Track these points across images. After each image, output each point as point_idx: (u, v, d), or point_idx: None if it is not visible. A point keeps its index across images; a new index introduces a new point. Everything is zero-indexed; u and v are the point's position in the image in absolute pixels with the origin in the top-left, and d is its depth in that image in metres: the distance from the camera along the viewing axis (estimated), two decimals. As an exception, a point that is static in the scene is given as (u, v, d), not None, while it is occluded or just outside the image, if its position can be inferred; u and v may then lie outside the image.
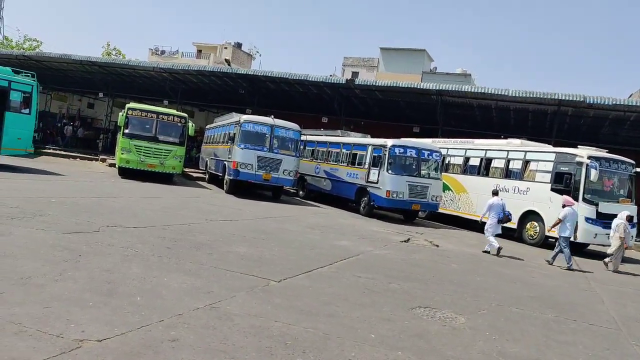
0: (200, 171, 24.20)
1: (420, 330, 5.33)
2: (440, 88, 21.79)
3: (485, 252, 12.03)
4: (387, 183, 15.73)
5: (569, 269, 11.10)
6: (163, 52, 53.72)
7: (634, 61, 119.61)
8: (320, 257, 8.42)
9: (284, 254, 8.29)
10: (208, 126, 25.70)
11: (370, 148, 16.84)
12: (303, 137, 19.09)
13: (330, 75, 30.23)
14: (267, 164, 16.55)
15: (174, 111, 19.83)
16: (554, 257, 11.57)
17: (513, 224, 15.24)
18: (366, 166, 16.73)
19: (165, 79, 29.36)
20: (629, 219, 12.24)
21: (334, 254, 8.82)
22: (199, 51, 54.94)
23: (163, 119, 18.07)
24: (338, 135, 20.15)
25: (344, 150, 18.49)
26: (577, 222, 13.46)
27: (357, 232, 12.61)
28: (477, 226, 16.36)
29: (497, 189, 13.65)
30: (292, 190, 20.84)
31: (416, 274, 8.28)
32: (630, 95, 34.80)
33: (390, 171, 15.77)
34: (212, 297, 5.33)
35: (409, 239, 12.44)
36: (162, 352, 3.79)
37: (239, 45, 57.51)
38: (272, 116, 17.68)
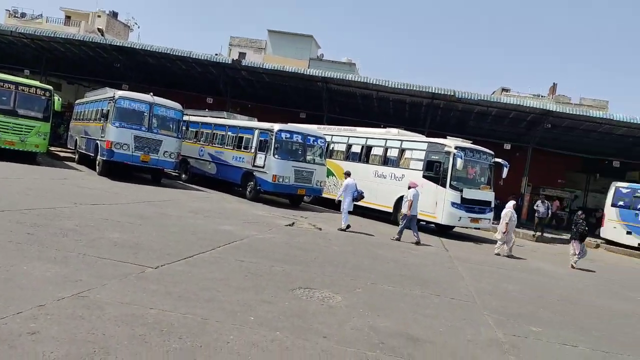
0: (69, 151, 22.21)
1: (299, 310, 5.46)
2: (326, 75, 22.28)
3: (342, 230, 12.76)
4: (273, 167, 15.79)
5: (417, 243, 12.36)
6: (23, 14, 48.11)
7: (498, 61, 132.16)
8: (202, 242, 8.24)
9: (163, 239, 7.98)
10: (78, 101, 23.45)
11: (257, 132, 16.74)
12: (186, 118, 18.42)
13: (216, 54, 29.40)
14: (146, 144, 15.67)
15: (36, 82, 17.91)
16: (400, 233, 12.64)
17: (389, 208, 16.17)
18: (253, 150, 16.62)
19: (27, 46, 26.39)
20: (515, 207, 13.63)
21: (217, 239, 8.69)
22: (68, 17, 50.12)
23: (23, 90, 16.18)
24: (224, 117, 19.71)
25: (229, 133, 18.16)
26: (444, 206, 14.75)
27: (242, 216, 12.53)
28: (358, 210, 17.13)
29: (350, 171, 14.44)
30: (174, 174, 20.05)
31: (299, 256, 8.45)
32: (493, 93, 38.55)
33: (276, 156, 15.83)
34: (80, 285, 4.98)
35: (293, 223, 12.64)
36: (20, 346, 3.47)
37: (114, 15, 53.36)
38: (152, 93, 16.74)
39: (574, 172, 31.61)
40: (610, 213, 20.71)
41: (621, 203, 20.41)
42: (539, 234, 19.93)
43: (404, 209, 12.90)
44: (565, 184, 31.77)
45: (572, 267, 12.73)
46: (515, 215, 13.61)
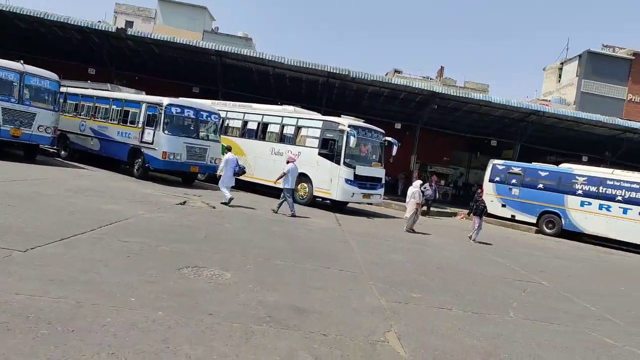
0: None
1: (185, 289, 5.31)
2: (221, 49, 21.63)
3: (224, 204, 12.77)
4: (163, 144, 15.10)
5: (292, 215, 12.75)
6: None
7: (390, 45, 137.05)
8: (81, 222, 7.68)
9: (36, 220, 7.32)
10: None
11: (144, 106, 15.85)
12: (63, 89, 16.93)
13: (99, 22, 27.20)
14: (16, 117, 14.14)
15: None
16: (279, 206, 13.02)
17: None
18: (140, 125, 15.74)
19: None
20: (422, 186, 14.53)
21: (99, 219, 8.14)
22: None
23: None
24: (107, 90, 18.39)
25: (114, 107, 16.99)
26: (338, 183, 15.10)
27: (129, 195, 11.86)
28: (254, 188, 17.02)
29: (230, 146, 14.59)
30: (52, 150, 18.43)
31: (189, 235, 8.21)
32: (386, 74, 39.90)
33: (166, 131, 15.15)
34: None
35: (185, 202, 12.22)
36: None
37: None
38: (22, 61, 15.07)
39: (458, 151, 33.97)
40: (488, 188, 22.51)
41: (497, 179, 22.29)
42: (424, 208, 21.20)
43: (283, 183, 13.26)
44: (450, 162, 34.07)
45: (472, 240, 13.72)
46: (421, 194, 14.51)
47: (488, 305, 6.73)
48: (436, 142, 30.31)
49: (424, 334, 5.06)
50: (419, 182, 14.81)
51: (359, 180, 15.49)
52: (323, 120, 16.37)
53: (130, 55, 24.46)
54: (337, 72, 21.65)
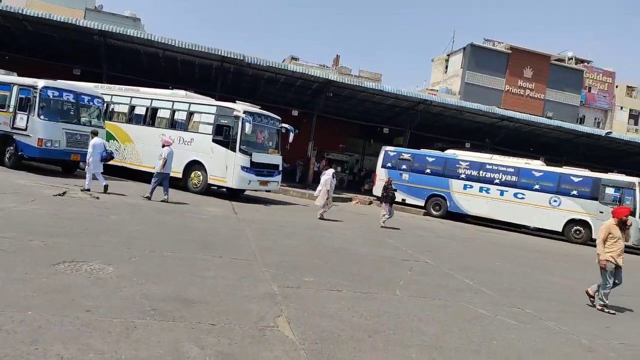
0: None
1: (60, 286, 4.91)
2: (104, 29, 20.17)
3: (85, 191, 12.03)
4: (38, 130, 13.81)
5: (165, 201, 12.37)
6: None
7: (287, 29, 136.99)
8: None
9: None
10: None
11: (15, 88, 14.34)
12: None
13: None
14: None
15: None
16: (151, 192, 12.51)
17: (178, 173, 15.63)
18: (11, 110, 14.24)
19: None
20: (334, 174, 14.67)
21: (-43, 213, 7.25)
22: None
23: None
24: (-29, 70, 16.41)
25: (-21, 89, 15.19)
26: (234, 170, 14.82)
27: (-3, 186, 10.72)
28: (144, 177, 16.17)
29: (97, 130, 13.63)
30: None
31: (67, 228, 7.60)
32: (283, 60, 39.85)
33: (42, 117, 13.86)
34: None
35: (65, 192, 11.30)
36: None
37: None
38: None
39: (353, 138, 34.98)
40: (380, 173, 23.44)
41: (389, 165, 23.28)
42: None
43: (158, 167, 12.79)
44: (346, 148, 35.00)
45: (382, 226, 14.26)
46: (334, 182, 14.68)
47: (376, 284, 6.99)
48: (332, 129, 30.95)
49: (314, 316, 5.13)
50: (331, 170, 15.18)
51: (256, 168, 15.33)
52: (217, 105, 15.94)
53: (0, 31, 21.99)
54: (232, 56, 21.17)
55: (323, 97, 24.67)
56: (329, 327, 4.86)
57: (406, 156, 22.98)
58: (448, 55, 45.40)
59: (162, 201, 12.24)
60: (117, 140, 16.88)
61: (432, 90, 41.15)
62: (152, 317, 4.42)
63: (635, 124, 49.89)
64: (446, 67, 45.60)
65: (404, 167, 22.76)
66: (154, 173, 13.06)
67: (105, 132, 15.74)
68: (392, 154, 23.42)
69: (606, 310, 7.47)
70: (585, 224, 19.28)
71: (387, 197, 14.88)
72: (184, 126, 16.01)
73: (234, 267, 6.75)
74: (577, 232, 19.44)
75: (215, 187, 15.99)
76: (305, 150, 26.17)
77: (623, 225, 7.67)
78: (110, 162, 16.33)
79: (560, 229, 19.66)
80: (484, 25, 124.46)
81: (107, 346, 3.73)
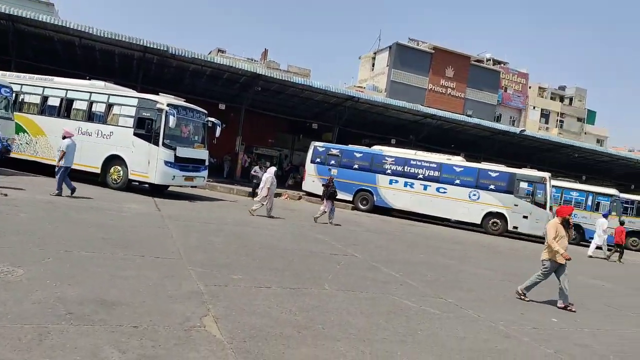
0: None
1: (-41, 292, 4.46)
2: (12, 13, 18.69)
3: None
4: None
5: (58, 195, 11.66)
6: None
7: (213, 22, 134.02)
8: None
9: None
10: None
11: None
12: None
13: None
14: None
15: None
16: (59, 188, 11.78)
17: (96, 169, 14.85)
18: None
19: None
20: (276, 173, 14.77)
21: None
22: None
23: None
24: None
25: None
26: (157, 165, 14.26)
27: None
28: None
29: None
30: None
31: (-32, 228, 6.95)
32: (210, 52, 38.95)
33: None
34: None
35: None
36: None
37: None
38: None
39: (282, 133, 34.91)
40: (310, 169, 23.60)
41: (318, 160, 23.47)
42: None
43: (57, 161, 12.09)
44: (274, 143, 34.85)
45: (330, 223, 14.61)
46: (275, 180, 14.62)
47: (305, 280, 6.99)
48: (261, 124, 30.70)
49: (242, 314, 5.03)
50: (273, 168, 15.07)
51: (181, 163, 14.85)
52: (139, 98, 15.24)
53: None
54: (154, 47, 20.36)
55: (251, 91, 24.38)
56: (258, 324, 4.78)
57: (335, 152, 23.25)
58: (375, 53, 46.43)
59: (67, 196, 11.61)
60: (28, 133, 15.73)
61: (359, 87, 41.95)
62: (69, 322, 4.13)
63: (546, 122, 53.65)
64: (373, 65, 46.61)
65: (332, 162, 23.01)
66: (75, 168, 12.29)
67: (14, 124, 14.60)
68: (321, 149, 23.60)
69: (524, 298, 7.88)
70: (501, 216, 20.46)
71: (328, 194, 15.17)
72: (102, 119, 15.18)
73: (157, 267, 6.47)
74: (494, 224, 20.58)
75: (137, 183, 15.34)
76: (233, 145, 25.77)
77: (567, 224, 7.90)
78: (19, 156, 15.29)
79: (479, 222, 20.74)
80: (409, 24, 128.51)
81: (17, 354, 3.45)
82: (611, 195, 23.53)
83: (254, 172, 19.24)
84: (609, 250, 18.16)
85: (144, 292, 5.26)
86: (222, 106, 24.72)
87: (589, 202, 23.55)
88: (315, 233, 12.32)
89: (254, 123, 28.74)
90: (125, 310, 4.62)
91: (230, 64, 23.25)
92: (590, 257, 17.72)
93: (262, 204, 14.16)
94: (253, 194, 19.05)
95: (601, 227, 18.55)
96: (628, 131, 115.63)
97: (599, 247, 18.26)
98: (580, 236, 23.22)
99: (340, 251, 10.01)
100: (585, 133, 54.93)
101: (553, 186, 21.41)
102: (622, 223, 19.21)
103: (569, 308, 7.62)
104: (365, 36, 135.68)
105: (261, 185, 14.55)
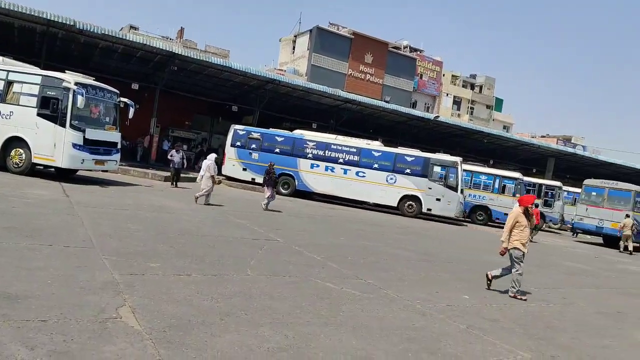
0: None
1: None
2: None
3: None
4: None
5: None
6: None
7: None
8: None
9: None
10: None
11: None
12: None
13: None
14: None
15: None
16: None
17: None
18: None
19: None
20: (216, 160, 14.94)
21: None
22: None
23: None
24: None
25: None
26: (64, 148, 13.35)
27: None
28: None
29: None
30: None
31: None
32: (121, 29, 36.81)
33: None
34: None
35: None
36: None
37: None
38: None
39: (200, 115, 33.91)
40: (230, 152, 23.19)
41: (238, 143, 23.10)
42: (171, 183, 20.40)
43: None
44: (192, 126, 33.82)
45: (265, 209, 14.60)
46: (216, 166, 14.61)
47: (227, 266, 6.88)
48: (177, 106, 29.63)
49: (161, 303, 4.85)
50: (213, 155, 15.04)
51: (90, 145, 13.98)
52: (43, 75, 14.09)
53: None
54: (60, 20, 18.87)
55: (167, 71, 23.42)
56: (178, 313, 4.64)
57: (255, 135, 23.00)
58: (295, 36, 46.22)
59: None
60: None
61: (280, 70, 41.63)
62: (-37, 321, 3.77)
63: (458, 109, 56.42)
64: (293, 48, 46.41)
65: (253, 146, 22.76)
66: None
67: None
68: (241, 132, 23.24)
69: (519, 296, 7.67)
70: (416, 199, 21.34)
71: (270, 181, 15.32)
72: (0, 98, 13.89)
73: (67, 256, 6.07)
74: (410, 206, 21.43)
75: (42, 167, 14.28)
76: (148, 127, 24.68)
77: (527, 213, 7.88)
78: None
79: (395, 204, 21.49)
80: (329, 8, 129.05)
81: None
82: (515, 179, 25.27)
83: (171, 156, 18.42)
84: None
85: (53, 284, 4.92)
86: (135, 86, 23.53)
87: (496, 185, 25.15)
88: (237, 218, 12.17)
89: (170, 104, 27.64)
90: (32, 304, 4.29)
91: (143, 41, 22.12)
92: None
93: (204, 194, 13.98)
94: (172, 180, 18.40)
95: None
96: (531, 118, 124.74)
97: None
98: (488, 217, 24.86)
99: (263, 236, 9.96)
100: (493, 120, 58.46)
101: (464, 170, 22.64)
102: (536, 205, 20.46)
103: (518, 297, 7.67)
104: (285, 18, 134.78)
105: (201, 173, 14.39)
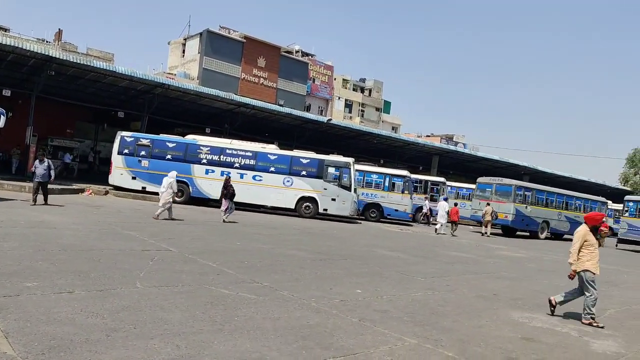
0: None
1: None
2: None
3: None
4: None
5: None
6: None
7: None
8: None
9: None
10: None
11: None
12: None
13: None
14: None
15: None
16: None
17: None
18: None
19: None
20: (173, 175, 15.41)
21: None
22: None
23: None
24: None
25: None
26: None
27: None
28: None
29: None
30: None
31: None
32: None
33: None
34: None
35: None
36: None
37: None
38: None
39: (83, 122, 31.83)
40: (117, 161, 21.98)
41: (126, 151, 21.98)
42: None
43: None
44: (75, 134, 31.61)
45: (224, 221, 15.70)
46: (176, 183, 15.42)
47: (114, 280, 6.55)
48: (57, 113, 27.62)
49: (40, 324, 4.52)
50: (174, 172, 15.68)
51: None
52: None
53: None
54: None
55: (43, 76, 21.67)
56: (60, 333, 4.35)
57: (145, 142, 22.05)
58: (185, 39, 45.03)
59: None
60: None
61: (170, 74, 40.29)
62: None
63: (350, 112, 58.39)
64: (183, 52, 45.18)
65: (143, 153, 21.82)
66: None
67: None
68: (129, 139, 22.17)
69: (594, 323, 7.04)
70: (313, 200, 21.79)
71: (228, 194, 16.10)
72: None
73: None
74: (306, 208, 21.82)
75: None
76: (23, 137, 22.65)
77: (595, 231, 7.39)
78: None
79: (293, 206, 21.77)
80: (219, 11, 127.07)
81: None
82: (404, 176, 26.74)
83: (34, 167, 15.44)
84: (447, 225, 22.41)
85: None
86: (6, 92, 21.49)
87: (386, 183, 26.43)
88: (126, 230, 11.59)
89: (49, 112, 25.64)
90: None
91: (15, 44, 20.25)
92: (438, 233, 21.75)
93: (165, 209, 14.63)
94: (33, 195, 14.81)
95: (443, 209, 22.23)
96: (417, 119, 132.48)
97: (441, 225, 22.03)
98: (380, 214, 26.03)
99: (154, 246, 9.60)
100: (382, 121, 61.29)
101: (356, 170, 23.51)
102: (455, 204, 25.41)
103: (594, 324, 7.03)
104: (173, 21, 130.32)
105: (162, 190, 14.90)
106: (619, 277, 13.86)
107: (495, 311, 7.44)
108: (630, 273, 15.40)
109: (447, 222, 22.33)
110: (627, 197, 28.96)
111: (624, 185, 55.95)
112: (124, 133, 22.52)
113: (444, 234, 21.68)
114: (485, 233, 23.84)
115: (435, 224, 22.73)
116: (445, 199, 23.87)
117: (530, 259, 16.23)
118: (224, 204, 16.11)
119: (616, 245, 27.82)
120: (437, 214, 22.42)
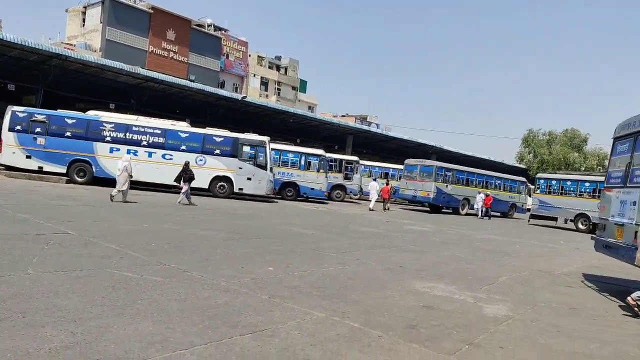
0: None
1: None
2: None
3: None
4: None
5: None
6: None
7: None
8: None
9: None
10: None
11: None
12: None
13: None
14: None
15: None
16: None
17: None
18: None
19: None
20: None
21: None
22: None
23: None
24: None
25: None
26: None
27: None
28: None
29: None
30: None
31: None
32: None
33: None
34: None
35: None
36: None
37: None
38: None
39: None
40: (8, 138, 20.16)
41: (19, 128, 20.21)
42: None
43: None
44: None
45: (189, 203, 16.44)
46: (131, 166, 15.80)
47: (3, 267, 6.00)
48: None
49: None
50: (127, 155, 16.48)
51: None
52: None
53: None
54: None
55: None
56: None
57: (40, 118, 20.38)
58: (85, 7, 41.86)
59: None
60: None
61: (68, 44, 37.39)
62: None
63: (266, 90, 57.75)
64: (84, 21, 42.02)
65: (38, 130, 20.17)
66: None
67: None
68: (21, 115, 20.37)
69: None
70: (227, 179, 21.41)
71: (187, 178, 16.70)
72: None
73: None
74: (221, 187, 21.41)
75: None
76: None
77: None
78: None
79: (207, 186, 21.24)
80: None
81: None
82: (319, 155, 27.00)
83: None
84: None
85: None
86: None
87: (302, 162, 26.56)
88: (18, 212, 10.68)
89: None
90: None
91: None
92: (371, 210, 24.34)
93: (120, 191, 15.08)
94: None
95: (374, 188, 25.64)
96: (333, 99, 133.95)
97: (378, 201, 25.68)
98: (296, 192, 26.16)
99: (50, 230, 8.93)
100: (299, 100, 61.31)
101: (272, 149, 23.35)
102: (387, 184, 27.17)
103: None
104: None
105: (118, 174, 15.36)
106: (511, 247, 15.02)
107: (400, 282, 7.75)
108: (522, 243, 16.76)
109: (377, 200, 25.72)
110: (538, 175, 31.08)
111: (519, 164, 60.56)
112: (16, 108, 20.62)
113: (374, 210, 24.55)
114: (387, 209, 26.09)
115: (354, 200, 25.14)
116: (375, 179, 27.57)
117: (434, 232, 17.12)
118: (184, 187, 16.64)
119: (528, 221, 29.65)
120: (350, 192, 24.85)
